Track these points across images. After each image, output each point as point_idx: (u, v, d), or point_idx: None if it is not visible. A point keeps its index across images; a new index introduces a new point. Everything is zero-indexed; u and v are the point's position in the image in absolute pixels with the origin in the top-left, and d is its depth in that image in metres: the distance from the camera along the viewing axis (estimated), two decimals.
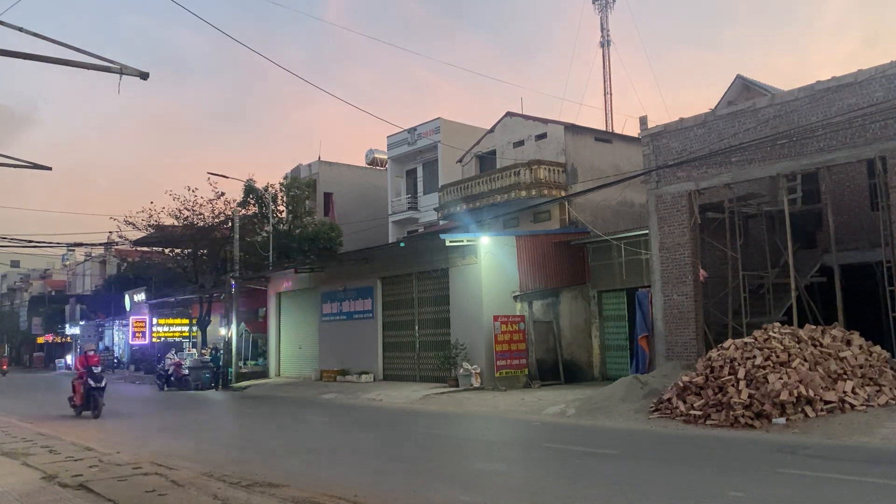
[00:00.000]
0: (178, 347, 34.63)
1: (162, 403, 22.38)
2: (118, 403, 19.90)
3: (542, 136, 26.57)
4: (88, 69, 9.52)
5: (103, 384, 16.84)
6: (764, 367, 12.23)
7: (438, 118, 34.55)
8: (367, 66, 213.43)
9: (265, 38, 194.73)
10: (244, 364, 30.32)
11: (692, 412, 12.39)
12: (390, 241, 34.13)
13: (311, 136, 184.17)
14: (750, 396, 11.86)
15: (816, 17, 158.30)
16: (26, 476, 8.66)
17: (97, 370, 16.85)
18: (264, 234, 33.05)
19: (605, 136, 28.15)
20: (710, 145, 16.37)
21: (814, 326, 14.25)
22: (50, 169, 13.76)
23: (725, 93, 22.37)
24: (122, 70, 9.52)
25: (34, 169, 13.52)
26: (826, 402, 11.72)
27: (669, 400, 13.14)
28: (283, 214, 36.33)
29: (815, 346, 13.12)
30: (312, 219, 37.29)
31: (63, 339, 59.26)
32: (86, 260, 62.10)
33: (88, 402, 16.60)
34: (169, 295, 39.10)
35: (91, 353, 17.63)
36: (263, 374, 29.89)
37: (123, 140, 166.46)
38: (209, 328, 34.74)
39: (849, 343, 13.54)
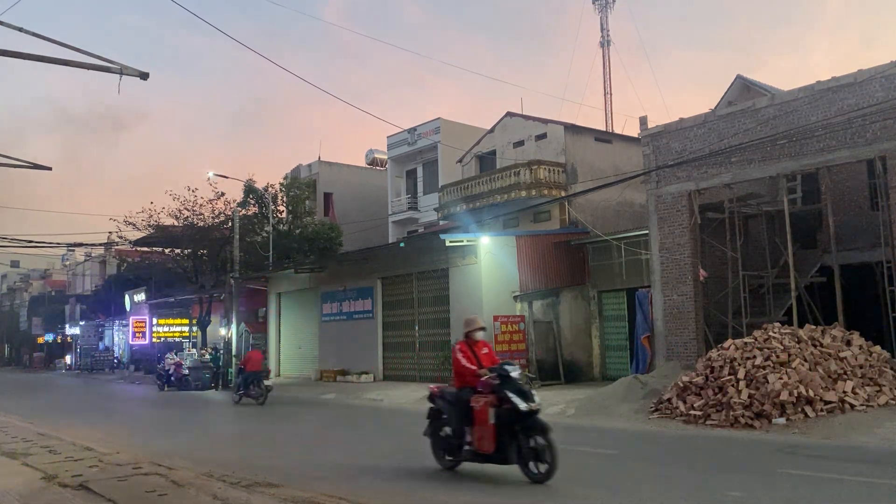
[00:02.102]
0: (178, 347, 34.61)
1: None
2: (122, 404, 19.82)
3: (542, 137, 26.57)
4: (88, 69, 9.52)
5: (537, 404, 8.04)
6: (764, 368, 12.23)
7: (438, 118, 34.54)
8: (368, 66, 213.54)
9: (265, 38, 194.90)
10: None
11: (692, 412, 12.39)
12: (390, 241, 34.12)
13: (311, 136, 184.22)
14: (750, 396, 11.86)
15: (816, 17, 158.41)
16: (26, 476, 8.64)
17: (514, 370, 8.30)
18: (264, 234, 33.03)
19: (605, 136, 28.15)
20: (710, 145, 16.36)
21: (814, 326, 14.25)
22: (50, 169, 13.74)
23: (725, 93, 22.37)
24: (122, 70, 9.51)
25: (34, 169, 13.51)
26: (826, 402, 11.72)
27: (669, 400, 13.14)
28: (283, 214, 36.34)
29: (815, 346, 13.11)
30: (312, 219, 37.30)
31: (63, 339, 59.23)
32: (86, 260, 62.11)
33: (507, 443, 8.03)
34: (169, 295, 39.06)
35: (479, 335, 9.04)
36: None
37: (123, 140, 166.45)
38: (209, 328, 34.73)
39: (849, 343, 13.54)
